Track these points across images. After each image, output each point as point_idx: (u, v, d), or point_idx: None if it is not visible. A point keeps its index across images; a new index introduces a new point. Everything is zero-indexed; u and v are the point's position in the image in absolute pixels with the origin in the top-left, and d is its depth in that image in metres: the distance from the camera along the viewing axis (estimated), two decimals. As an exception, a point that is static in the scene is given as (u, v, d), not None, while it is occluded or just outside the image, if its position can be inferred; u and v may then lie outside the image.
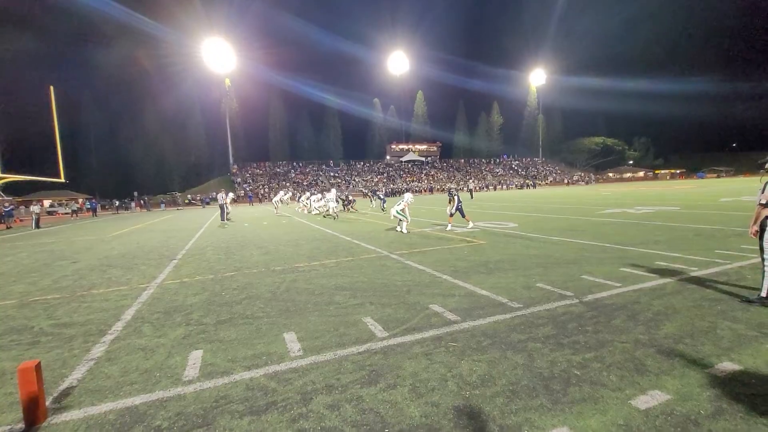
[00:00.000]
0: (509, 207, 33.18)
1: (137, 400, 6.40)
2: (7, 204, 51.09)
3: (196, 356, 7.32)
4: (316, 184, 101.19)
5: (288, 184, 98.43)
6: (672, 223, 18.99)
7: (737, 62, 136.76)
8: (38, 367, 6.15)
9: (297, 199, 56.59)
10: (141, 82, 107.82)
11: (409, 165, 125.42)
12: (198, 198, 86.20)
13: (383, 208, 36.74)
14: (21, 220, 50.17)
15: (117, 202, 74.36)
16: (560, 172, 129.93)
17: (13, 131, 67.57)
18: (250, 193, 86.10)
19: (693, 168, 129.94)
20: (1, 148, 59.15)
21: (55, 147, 60.83)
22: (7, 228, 38.63)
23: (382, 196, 40.84)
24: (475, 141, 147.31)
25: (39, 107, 61.53)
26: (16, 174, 58.66)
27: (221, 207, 31.97)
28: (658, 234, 16.08)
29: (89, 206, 61.74)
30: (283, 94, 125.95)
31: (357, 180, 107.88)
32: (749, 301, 8.67)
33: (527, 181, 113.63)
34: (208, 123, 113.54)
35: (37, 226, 36.41)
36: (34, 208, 38.06)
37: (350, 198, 37.45)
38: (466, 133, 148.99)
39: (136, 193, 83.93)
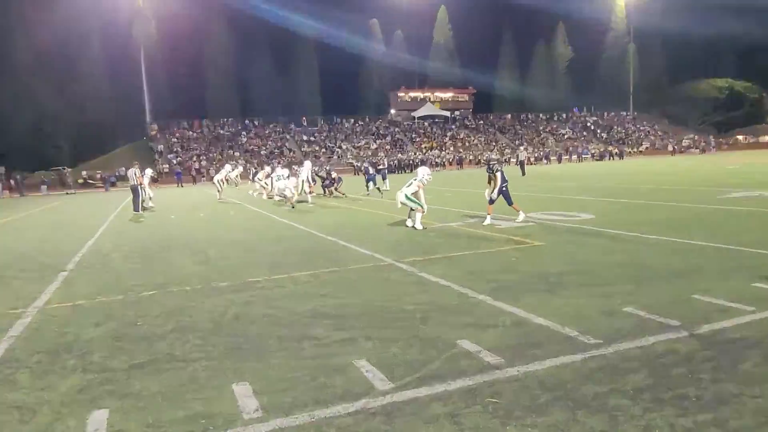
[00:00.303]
0: (582, 189, 33.21)
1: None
2: None
3: (98, 420, 7.35)
4: (281, 154, 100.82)
5: (237, 155, 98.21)
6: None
7: None
8: None
9: (252, 177, 56.15)
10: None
11: (426, 123, 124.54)
12: (99, 176, 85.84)
13: (382, 190, 36.60)
14: None
15: (-34, 185, 73.80)
16: (661, 134, 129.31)
17: None
18: (178, 169, 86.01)
19: None
20: None
21: None
22: None
23: (381, 172, 40.86)
24: (529, 87, 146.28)
25: None
26: None
27: (134, 190, 31.88)
28: (815, 232, 16.10)
29: None
30: (228, 16, 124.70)
31: (344, 147, 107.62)
32: None
33: (610, 149, 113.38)
34: (112, 60, 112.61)
35: None
36: None
37: (333, 176, 37.39)
38: (515, 74, 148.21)
39: (2, 170, 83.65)
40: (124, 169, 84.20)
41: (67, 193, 72.71)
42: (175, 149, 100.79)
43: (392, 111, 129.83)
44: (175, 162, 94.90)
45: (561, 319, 9.79)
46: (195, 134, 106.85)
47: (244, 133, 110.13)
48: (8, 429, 7.21)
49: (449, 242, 16.90)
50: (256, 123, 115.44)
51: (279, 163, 76.98)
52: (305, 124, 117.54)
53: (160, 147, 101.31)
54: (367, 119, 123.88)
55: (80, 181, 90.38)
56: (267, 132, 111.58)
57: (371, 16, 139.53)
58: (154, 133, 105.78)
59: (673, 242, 15.32)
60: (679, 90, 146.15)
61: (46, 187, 77.81)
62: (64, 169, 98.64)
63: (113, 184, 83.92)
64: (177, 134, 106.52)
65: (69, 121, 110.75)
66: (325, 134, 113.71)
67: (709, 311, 9.87)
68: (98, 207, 37.30)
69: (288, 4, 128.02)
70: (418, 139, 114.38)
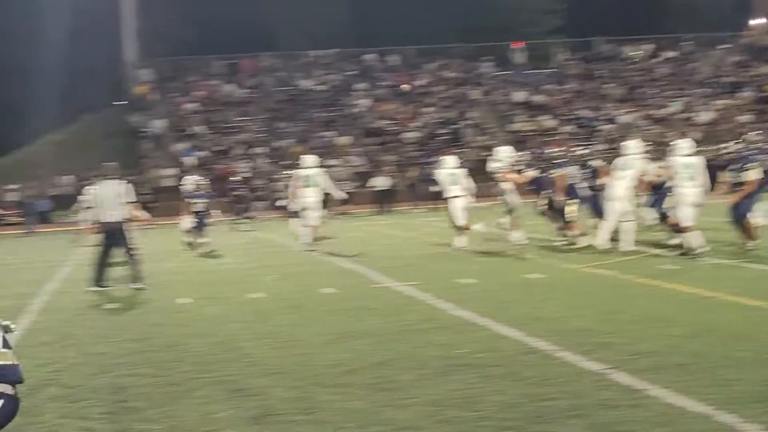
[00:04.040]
0: None
1: None
2: None
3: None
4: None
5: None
6: None
7: None
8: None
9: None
10: None
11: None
12: (12, 201, 51.94)
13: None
14: None
15: None
16: None
17: None
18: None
19: None
20: None
21: None
22: None
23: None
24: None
25: None
26: None
27: (112, 233, 17.29)
28: None
29: None
30: None
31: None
32: None
33: None
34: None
35: None
36: None
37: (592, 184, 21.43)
38: None
39: None
40: (72, 179, 54.51)
41: None
42: (194, 131, 63.43)
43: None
44: (196, 157, 57.16)
45: None
46: (249, 91, 70.45)
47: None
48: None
49: None
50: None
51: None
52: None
53: (158, 125, 63.47)
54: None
55: None
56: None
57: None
58: (144, 90, 68.90)
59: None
60: None
61: None
62: None
63: (43, 219, 46.85)
64: (203, 89, 69.27)
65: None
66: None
67: None
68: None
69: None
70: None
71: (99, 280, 17.18)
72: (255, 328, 12.19)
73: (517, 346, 10.03)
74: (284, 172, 36.79)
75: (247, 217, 37.29)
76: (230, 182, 41.47)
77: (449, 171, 23.04)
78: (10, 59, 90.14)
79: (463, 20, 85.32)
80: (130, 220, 17.76)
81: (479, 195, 23.95)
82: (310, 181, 24.11)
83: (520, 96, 68.30)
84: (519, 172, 23.06)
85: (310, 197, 24.08)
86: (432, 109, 66.31)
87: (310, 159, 25.16)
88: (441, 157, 25.15)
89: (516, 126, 64.16)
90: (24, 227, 44.59)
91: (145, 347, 11.01)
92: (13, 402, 3.90)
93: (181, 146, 60.64)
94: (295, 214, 27.71)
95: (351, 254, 22.84)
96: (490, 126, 64.48)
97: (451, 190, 22.60)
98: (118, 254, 17.45)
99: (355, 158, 58.75)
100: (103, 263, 17.28)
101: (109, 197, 17.02)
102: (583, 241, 21.30)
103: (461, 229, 22.47)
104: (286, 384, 8.52)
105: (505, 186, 23.21)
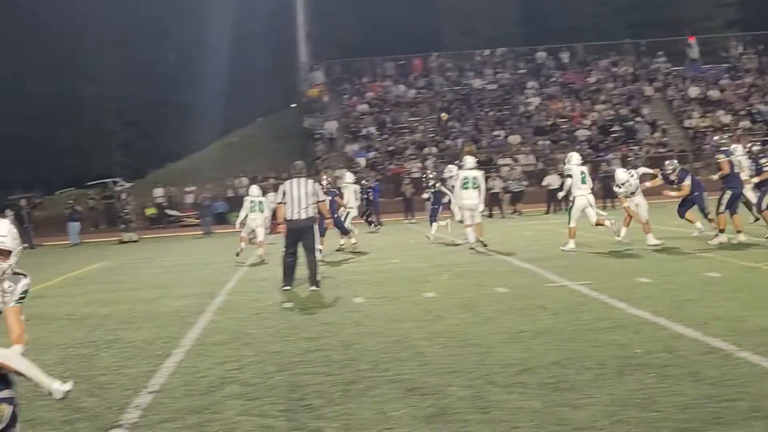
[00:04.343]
0: None
1: None
2: None
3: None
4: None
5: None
6: None
7: None
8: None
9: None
10: None
11: None
12: (196, 203, 53.81)
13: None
14: None
15: None
16: None
17: None
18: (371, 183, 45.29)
19: None
20: None
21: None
22: None
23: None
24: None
25: None
26: None
27: (299, 233, 17.65)
28: None
29: None
30: None
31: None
32: None
33: None
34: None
35: None
36: None
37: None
38: None
39: None
40: (246, 181, 55.17)
41: (122, 242, 43.67)
42: (366, 131, 65.11)
43: None
44: (368, 158, 60.85)
45: None
46: (420, 91, 71.04)
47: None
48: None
49: None
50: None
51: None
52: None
53: (331, 127, 65.08)
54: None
55: (149, 213, 57.78)
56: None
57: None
58: (317, 92, 70.10)
59: None
60: None
61: (76, 227, 47.26)
62: (117, 184, 69.32)
63: (219, 220, 49.45)
64: (374, 90, 70.89)
65: (119, 76, 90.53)
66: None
67: None
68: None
69: None
70: None
71: (288, 279, 17.61)
72: (429, 327, 12.21)
73: (695, 345, 9.78)
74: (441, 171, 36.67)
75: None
76: (401, 182, 41.83)
77: (581, 168, 22.87)
78: (185, 66, 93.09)
79: (635, 15, 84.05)
80: (318, 219, 18.30)
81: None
82: (470, 182, 24.16)
83: (694, 91, 66.70)
84: (672, 182, 22.68)
85: (470, 199, 24.20)
86: (604, 106, 65.44)
87: (470, 160, 25.25)
88: (569, 154, 25.08)
89: (691, 122, 62.79)
90: (201, 228, 46.11)
91: (320, 346, 11.15)
92: None
93: (353, 147, 61.51)
94: (435, 214, 28.12)
95: (523, 253, 22.79)
96: (664, 122, 63.23)
97: (580, 189, 22.48)
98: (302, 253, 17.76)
99: (526, 157, 58.52)
100: (291, 263, 17.68)
101: (300, 196, 17.35)
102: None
103: (570, 231, 22.49)
104: (460, 383, 8.49)
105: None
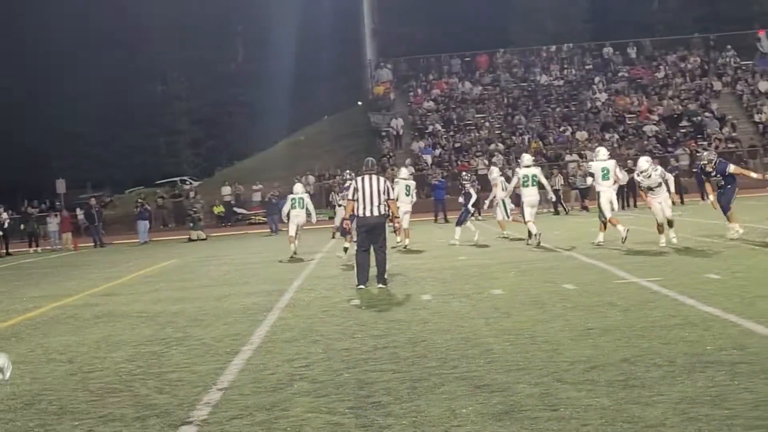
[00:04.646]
0: None
1: None
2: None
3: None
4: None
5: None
6: None
7: None
8: None
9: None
10: None
11: None
12: (266, 200, 50.80)
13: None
14: None
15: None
16: None
17: None
18: (436, 180, 50.28)
19: None
20: None
21: None
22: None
23: None
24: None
25: None
26: None
27: (371, 230, 17.67)
28: None
29: None
30: None
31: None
32: None
33: None
34: None
35: None
36: None
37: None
38: None
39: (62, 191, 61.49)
40: (312, 179, 58.72)
41: (190, 239, 44.57)
42: (432, 129, 64.73)
43: None
44: (434, 155, 61.15)
45: None
46: (486, 88, 71.02)
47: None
48: None
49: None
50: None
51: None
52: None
53: (397, 124, 64.77)
54: None
55: (217, 211, 58.65)
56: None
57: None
58: (383, 90, 70.20)
59: None
60: None
61: (145, 225, 47.29)
62: (186, 182, 72.72)
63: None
64: (440, 87, 70.95)
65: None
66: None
67: None
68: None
69: None
70: None
71: (362, 277, 17.56)
72: (496, 324, 12.16)
73: (766, 342, 9.66)
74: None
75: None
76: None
77: (604, 164, 23.02)
78: (252, 65, 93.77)
79: (703, 9, 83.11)
80: (389, 217, 18.36)
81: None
82: (530, 179, 24.22)
83: (764, 86, 65.81)
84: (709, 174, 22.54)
85: (532, 195, 24.46)
86: (672, 101, 64.77)
87: (527, 158, 25.38)
88: (597, 148, 25.19)
89: (761, 116, 61.98)
90: (268, 226, 46.54)
91: (388, 343, 11.16)
92: None
93: (419, 144, 61.59)
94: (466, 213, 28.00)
95: (590, 250, 22.71)
96: (733, 117, 62.44)
97: (602, 184, 22.79)
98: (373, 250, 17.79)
99: (593, 153, 58.21)
100: (364, 260, 17.65)
101: (372, 193, 17.34)
102: None
103: (609, 223, 22.77)
104: (529, 380, 8.45)
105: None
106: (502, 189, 28.00)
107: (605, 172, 22.55)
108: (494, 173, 29.97)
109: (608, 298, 13.75)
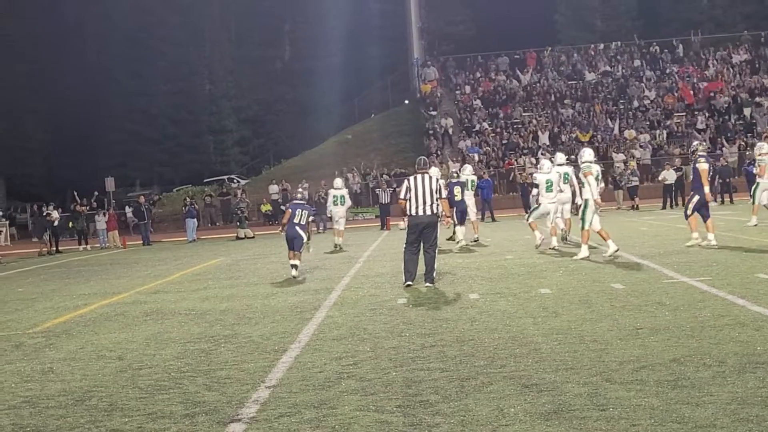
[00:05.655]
0: None
1: None
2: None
3: None
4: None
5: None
6: None
7: None
8: None
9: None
10: None
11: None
12: (318, 198, 46.12)
13: None
14: None
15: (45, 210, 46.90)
16: None
17: None
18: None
19: None
20: None
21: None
22: None
23: None
24: None
25: None
26: None
27: (422, 228, 17.68)
28: None
29: None
30: None
31: None
32: None
33: None
34: None
35: None
36: None
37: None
38: None
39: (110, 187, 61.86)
40: (349, 176, 56.65)
41: (238, 238, 44.60)
42: (479, 127, 64.42)
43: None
44: (481, 153, 60.12)
45: None
46: (531, 85, 70.69)
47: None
48: None
49: None
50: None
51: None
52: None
53: (445, 123, 64.71)
54: None
55: (265, 209, 58.49)
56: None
57: None
58: (430, 88, 70.35)
59: None
60: None
61: (194, 224, 47.25)
62: (233, 181, 74.60)
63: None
64: (487, 84, 70.61)
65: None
66: None
67: None
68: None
69: None
70: None
71: (409, 275, 17.60)
72: (544, 323, 12.14)
73: (818, 344, 9.59)
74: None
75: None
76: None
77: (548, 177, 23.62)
78: (299, 63, 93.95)
79: (752, 6, 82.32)
80: (441, 216, 18.41)
81: None
82: (562, 178, 24.08)
83: (815, 81, 64.99)
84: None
85: (563, 193, 24.29)
86: (721, 98, 64.18)
87: (560, 156, 25.38)
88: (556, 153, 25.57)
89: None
90: (315, 225, 46.55)
91: (436, 342, 11.16)
92: None
93: (466, 143, 61.47)
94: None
95: (639, 249, 22.54)
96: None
97: (547, 195, 23.44)
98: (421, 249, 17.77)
99: (641, 151, 57.68)
100: (412, 258, 17.68)
101: (425, 192, 17.28)
102: None
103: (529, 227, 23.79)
104: (578, 380, 8.44)
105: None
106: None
107: (549, 184, 23.04)
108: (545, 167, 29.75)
109: (657, 298, 13.66)
